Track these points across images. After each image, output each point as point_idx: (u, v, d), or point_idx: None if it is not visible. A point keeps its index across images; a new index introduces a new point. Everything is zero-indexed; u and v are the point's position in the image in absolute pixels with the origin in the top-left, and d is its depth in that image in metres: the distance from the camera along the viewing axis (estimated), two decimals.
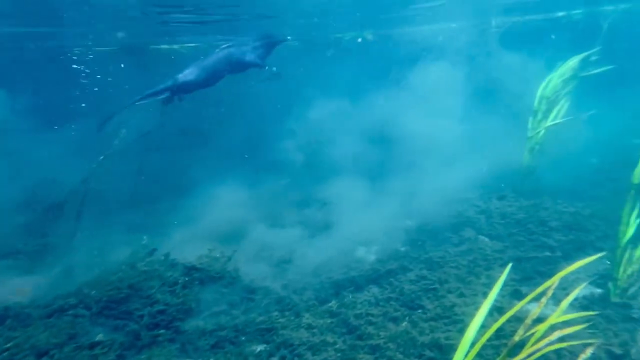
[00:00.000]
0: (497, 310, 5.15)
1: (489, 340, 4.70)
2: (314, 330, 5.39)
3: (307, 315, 5.71)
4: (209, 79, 8.14)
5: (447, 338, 4.76)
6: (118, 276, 6.39)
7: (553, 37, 18.13)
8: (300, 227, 8.59)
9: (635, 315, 4.88)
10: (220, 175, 10.84)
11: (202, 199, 10.01)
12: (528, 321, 2.91)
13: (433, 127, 10.71)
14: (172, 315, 5.73)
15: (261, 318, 5.69)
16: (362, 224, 8.23)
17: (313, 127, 13.95)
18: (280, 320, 5.65)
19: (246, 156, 13.30)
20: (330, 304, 5.95)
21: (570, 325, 3.83)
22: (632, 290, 5.19)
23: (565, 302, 3.08)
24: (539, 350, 3.18)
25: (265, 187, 11.28)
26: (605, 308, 5.11)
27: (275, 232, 8.36)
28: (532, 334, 3.47)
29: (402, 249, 7.34)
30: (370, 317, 5.48)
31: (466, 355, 2.79)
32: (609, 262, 6.38)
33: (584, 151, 10.46)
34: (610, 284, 5.25)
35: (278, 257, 7.37)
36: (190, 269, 6.61)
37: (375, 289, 6.21)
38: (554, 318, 3.01)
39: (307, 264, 7.05)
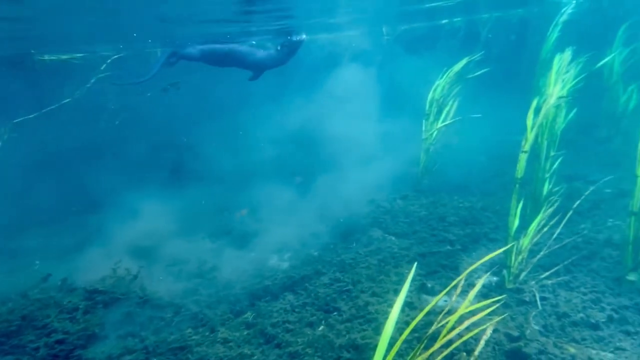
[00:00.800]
0: (407, 305, 5.40)
1: (400, 334, 4.93)
2: (231, 344, 5.27)
3: (222, 329, 5.56)
4: (211, 60, 8.75)
5: (363, 338, 4.89)
6: (7, 307, 5.78)
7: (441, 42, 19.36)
8: (212, 238, 8.38)
9: (527, 299, 5.37)
10: (123, 189, 10.23)
11: (105, 215, 9.40)
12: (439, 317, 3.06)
13: (336, 132, 11.01)
14: (73, 344, 5.28)
15: (173, 337, 5.45)
16: (275, 231, 8.22)
17: (223, 134, 13.71)
18: (194, 337, 5.45)
19: (147, 168, 12.69)
20: (245, 316, 5.85)
21: (475, 314, 4.13)
22: (522, 275, 5.69)
23: (472, 293, 3.30)
24: (451, 341, 3.39)
25: (173, 199, 10.84)
26: (502, 294, 5.56)
27: (185, 245, 8.06)
28: (443, 326, 3.68)
29: (315, 253, 7.42)
30: (287, 325, 5.48)
31: (386, 355, 2.88)
32: (502, 253, 6.97)
33: (472, 149, 11.35)
34: (504, 272, 5.70)
35: (189, 271, 7.12)
36: (92, 292, 6.15)
37: (290, 296, 6.22)
38: (463, 309, 3.20)
39: (220, 277, 6.89)
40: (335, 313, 5.61)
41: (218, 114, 14.78)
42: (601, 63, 10.84)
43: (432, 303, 3.19)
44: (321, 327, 5.39)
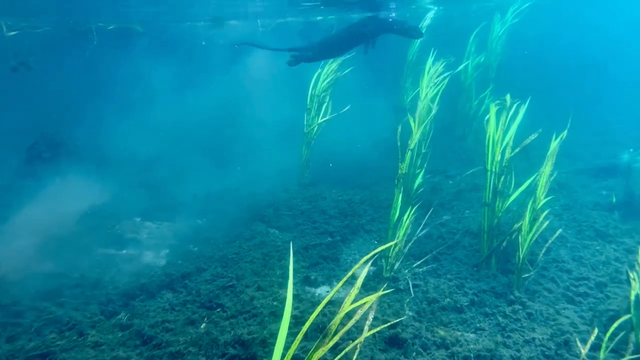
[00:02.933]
0: (294, 297, 5.47)
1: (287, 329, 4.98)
2: (103, 347, 4.85)
3: (92, 332, 5.10)
4: (332, 51, 8.73)
5: (249, 333, 4.83)
6: None
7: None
8: (79, 233, 7.62)
9: (401, 287, 5.76)
10: None
11: None
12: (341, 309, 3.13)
13: (218, 123, 10.72)
14: None
15: (33, 344, 4.86)
16: (150, 226, 7.76)
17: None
18: (59, 342, 4.92)
19: None
20: (119, 317, 5.43)
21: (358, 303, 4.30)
22: (397, 265, 6.10)
23: (360, 282, 3.42)
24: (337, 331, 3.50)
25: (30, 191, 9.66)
26: (379, 283, 5.89)
27: (47, 240, 7.22)
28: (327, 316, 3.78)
29: (195, 249, 7.16)
30: (166, 324, 5.20)
31: (284, 354, 2.87)
32: (376, 242, 7.40)
33: (350, 144, 11.86)
34: (383, 261, 6.05)
35: (50, 271, 6.39)
36: None
37: (169, 294, 5.92)
38: (351, 300, 3.31)
39: (88, 276, 6.31)
40: (218, 309, 5.46)
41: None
42: (461, 67, 12.00)
43: (329, 296, 3.25)
44: (204, 325, 5.22)
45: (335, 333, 3.53)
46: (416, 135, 5.84)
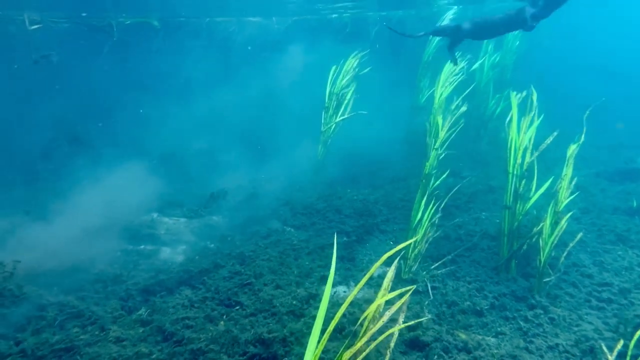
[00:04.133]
0: (312, 297, 5.47)
1: (307, 328, 4.98)
2: (125, 343, 4.88)
3: (114, 327, 5.13)
4: (483, 33, 8.01)
5: (269, 332, 4.83)
6: None
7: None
8: (94, 230, 7.66)
9: (420, 289, 5.74)
10: None
11: None
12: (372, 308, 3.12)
13: (232, 121, 10.73)
14: None
15: (57, 337, 4.89)
16: (166, 222, 7.79)
17: None
18: (83, 337, 4.96)
19: None
20: (139, 312, 5.47)
21: (386, 305, 4.28)
22: (415, 267, 6.07)
23: (387, 282, 3.41)
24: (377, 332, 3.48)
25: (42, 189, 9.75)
26: (397, 284, 5.87)
27: (63, 236, 7.27)
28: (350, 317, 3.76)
29: (212, 245, 7.18)
30: (186, 321, 5.22)
31: (316, 348, 2.86)
32: (392, 243, 7.38)
33: (364, 143, 11.82)
34: (402, 262, 6.03)
35: (71, 265, 6.43)
36: None
37: (188, 291, 5.94)
38: (380, 300, 3.29)
39: (107, 271, 6.35)
40: (237, 307, 5.48)
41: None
42: (476, 65, 11.92)
43: (350, 298, 3.25)
44: (222, 322, 5.24)
45: (365, 333, 3.51)
46: (442, 134, 5.81)
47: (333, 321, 3.09)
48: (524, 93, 6.04)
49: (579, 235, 5.89)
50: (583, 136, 5.60)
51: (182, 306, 5.55)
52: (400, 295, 5.43)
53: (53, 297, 5.60)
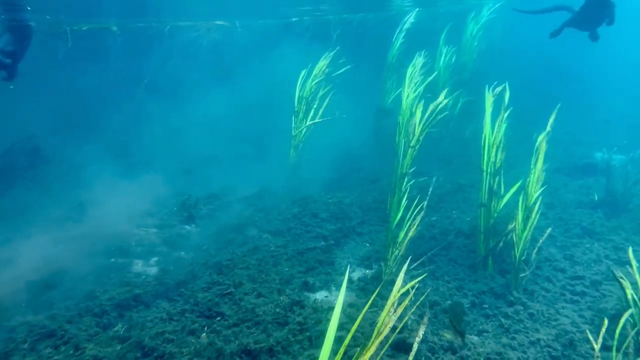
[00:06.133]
0: (295, 304, 5.40)
1: (293, 336, 4.91)
2: None
3: (90, 345, 4.91)
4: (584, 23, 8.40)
5: (255, 342, 4.75)
6: None
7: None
8: (62, 245, 7.33)
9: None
10: None
11: None
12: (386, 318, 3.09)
13: (199, 125, 10.53)
14: None
15: None
16: (136, 233, 7.55)
17: None
18: (56, 357, 4.74)
19: None
20: (116, 328, 5.27)
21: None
22: (395, 268, 6.11)
23: (395, 288, 3.40)
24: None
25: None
26: (378, 286, 5.88)
27: (27, 254, 6.93)
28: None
29: (186, 256, 7.00)
30: (166, 335, 5.06)
31: None
32: (368, 245, 7.41)
33: (334, 146, 11.83)
34: (382, 264, 6.06)
35: (37, 284, 6.12)
36: None
37: (165, 304, 5.77)
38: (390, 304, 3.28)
39: (78, 288, 6.08)
40: (219, 318, 5.35)
41: None
42: (440, 63, 12.17)
43: (338, 308, 3.22)
44: (204, 335, 5.11)
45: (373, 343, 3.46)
46: (417, 130, 5.88)
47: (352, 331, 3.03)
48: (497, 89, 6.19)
49: (548, 230, 6.09)
50: (546, 132, 5.78)
51: (161, 320, 5.38)
52: (379, 298, 5.48)
53: (21, 317, 5.33)
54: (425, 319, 3.07)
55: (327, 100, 9.35)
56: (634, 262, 4.12)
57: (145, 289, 5.98)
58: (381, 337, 2.72)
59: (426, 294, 5.66)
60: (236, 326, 5.15)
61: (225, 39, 16.92)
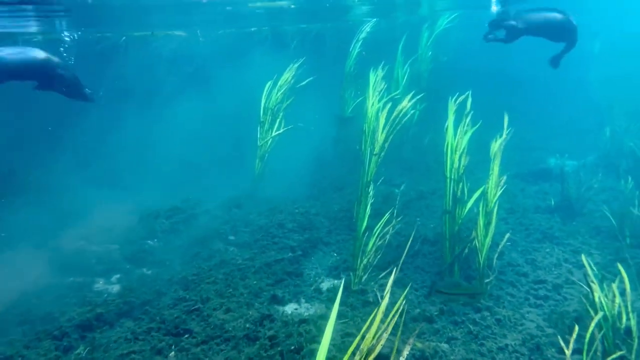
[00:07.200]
0: (265, 318, 5.33)
1: (265, 352, 4.84)
2: None
3: None
4: (536, 31, 7.97)
5: (226, 359, 4.66)
6: None
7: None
8: (16, 264, 6.98)
9: (370, 299, 5.80)
10: None
11: None
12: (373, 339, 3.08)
13: (163, 137, 10.29)
14: None
15: None
16: (95, 250, 7.28)
17: None
18: None
19: None
20: (78, 351, 5.05)
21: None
22: (364, 277, 6.14)
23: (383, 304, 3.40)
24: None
25: None
26: (348, 297, 5.90)
27: None
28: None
29: (149, 272, 6.81)
30: (132, 355, 4.89)
31: None
32: (336, 254, 7.42)
33: (299, 156, 11.82)
34: (350, 274, 6.07)
35: None
36: None
37: (129, 323, 5.58)
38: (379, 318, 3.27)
39: (34, 310, 5.79)
40: (187, 335, 5.22)
41: None
42: (401, 74, 12.39)
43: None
44: (172, 353, 4.97)
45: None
46: (381, 138, 5.95)
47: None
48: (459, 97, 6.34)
49: (507, 235, 6.25)
50: (503, 137, 5.98)
51: (125, 340, 5.21)
52: (349, 308, 5.48)
53: None
54: (399, 333, 3.08)
55: (285, 111, 9.35)
56: (588, 268, 4.31)
57: (107, 308, 5.76)
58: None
59: (400, 304, 5.70)
60: (205, 343, 5.03)
61: (186, 49, 16.66)
